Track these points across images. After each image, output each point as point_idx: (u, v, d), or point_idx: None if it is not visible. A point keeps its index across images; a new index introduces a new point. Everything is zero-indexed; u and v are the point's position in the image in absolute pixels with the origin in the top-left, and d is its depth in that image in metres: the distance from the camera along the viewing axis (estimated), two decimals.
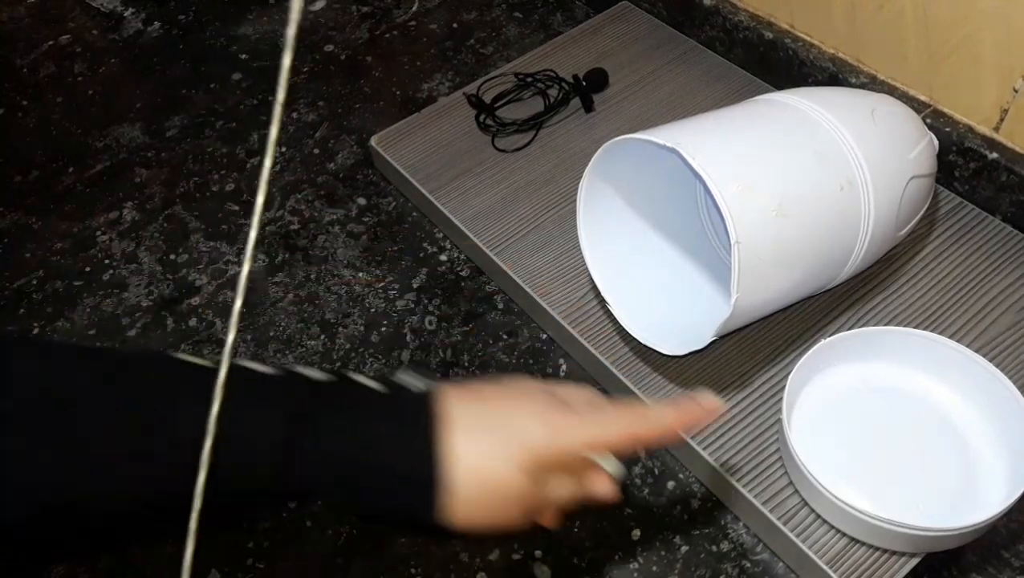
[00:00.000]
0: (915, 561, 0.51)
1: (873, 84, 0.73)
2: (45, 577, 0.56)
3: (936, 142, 0.62)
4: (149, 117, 0.90)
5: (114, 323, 0.72)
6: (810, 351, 0.55)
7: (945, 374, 0.56)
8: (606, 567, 0.55)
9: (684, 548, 0.56)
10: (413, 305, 0.71)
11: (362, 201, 0.80)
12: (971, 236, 0.67)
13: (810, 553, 0.51)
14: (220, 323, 0.71)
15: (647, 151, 0.57)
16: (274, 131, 0.28)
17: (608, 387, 0.63)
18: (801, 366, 0.55)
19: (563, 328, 0.64)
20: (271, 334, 0.70)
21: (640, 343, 0.60)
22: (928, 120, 0.69)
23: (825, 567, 0.51)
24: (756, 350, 0.61)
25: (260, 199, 0.29)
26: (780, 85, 0.78)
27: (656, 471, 0.60)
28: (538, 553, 0.56)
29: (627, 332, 0.61)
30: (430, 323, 0.70)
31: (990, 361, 0.54)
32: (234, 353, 0.39)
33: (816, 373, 0.57)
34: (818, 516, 0.53)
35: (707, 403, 0.40)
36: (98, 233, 0.79)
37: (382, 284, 0.72)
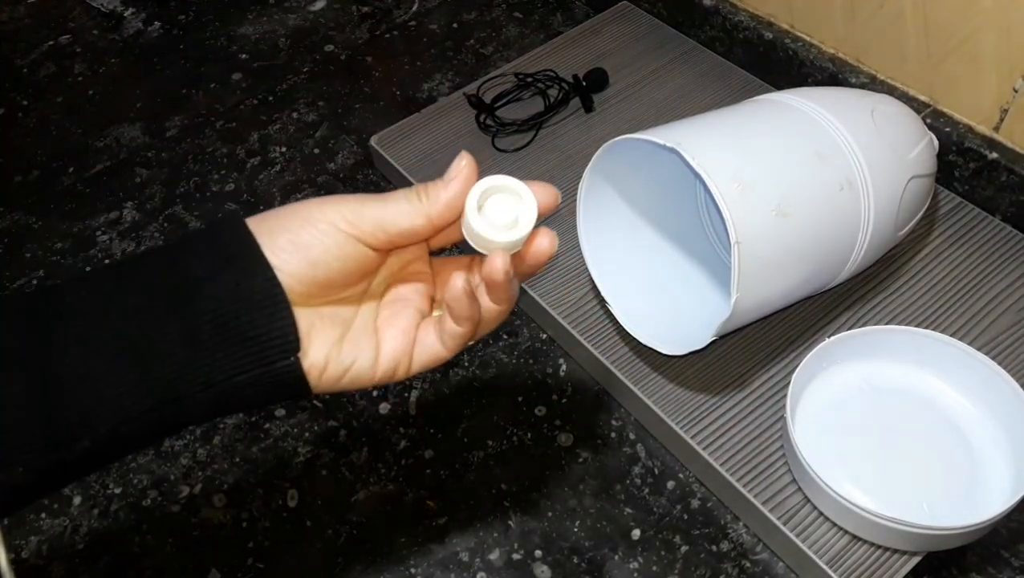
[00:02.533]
0: (915, 561, 0.51)
1: (873, 84, 0.73)
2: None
3: (936, 142, 0.62)
4: (149, 117, 0.90)
5: None
6: (814, 349, 0.55)
7: (949, 373, 0.56)
8: (606, 567, 0.55)
9: (684, 548, 0.56)
10: None
11: None
12: (971, 236, 0.67)
13: (810, 552, 0.51)
14: None
15: (647, 151, 0.57)
16: None
17: (608, 387, 0.63)
18: (805, 364, 0.55)
19: (563, 328, 0.64)
20: None
21: (640, 343, 0.60)
22: (928, 120, 0.69)
23: (825, 567, 0.51)
24: (756, 350, 0.61)
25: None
26: (780, 85, 0.78)
27: (656, 471, 0.60)
28: (538, 553, 0.56)
29: (627, 332, 0.61)
30: None
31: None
32: None
33: (820, 371, 0.57)
34: (820, 514, 0.53)
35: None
36: (98, 233, 0.79)
37: None
